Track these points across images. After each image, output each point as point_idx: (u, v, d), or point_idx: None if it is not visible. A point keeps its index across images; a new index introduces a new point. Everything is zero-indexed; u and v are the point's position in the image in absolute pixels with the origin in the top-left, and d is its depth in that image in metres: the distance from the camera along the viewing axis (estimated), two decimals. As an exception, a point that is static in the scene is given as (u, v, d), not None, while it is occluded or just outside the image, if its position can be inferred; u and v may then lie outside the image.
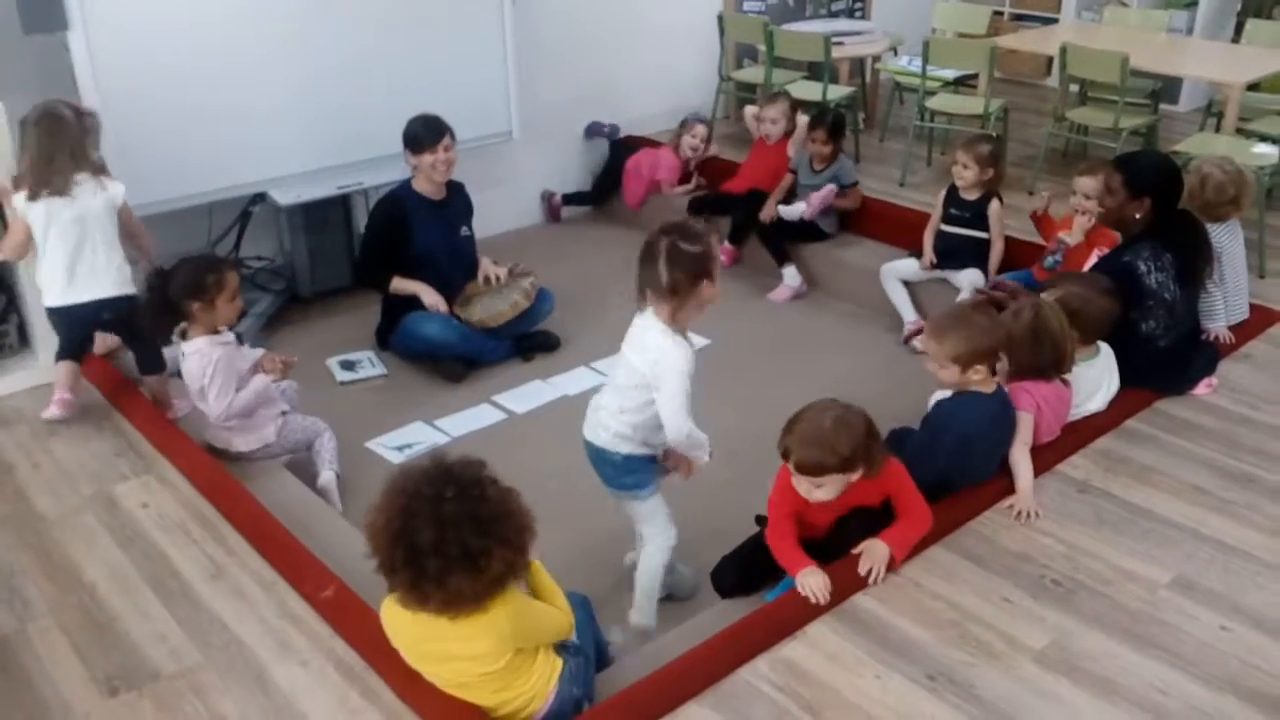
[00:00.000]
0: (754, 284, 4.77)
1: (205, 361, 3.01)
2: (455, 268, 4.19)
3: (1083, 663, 2.24)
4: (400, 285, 4.11)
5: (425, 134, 3.98)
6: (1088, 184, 3.75)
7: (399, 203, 4.09)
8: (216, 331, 3.06)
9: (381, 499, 1.90)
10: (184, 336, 3.05)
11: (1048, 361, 2.86)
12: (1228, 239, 3.61)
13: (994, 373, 2.72)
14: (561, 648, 2.19)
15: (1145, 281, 3.20)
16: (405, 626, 2.02)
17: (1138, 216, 3.31)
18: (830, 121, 4.66)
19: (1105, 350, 3.14)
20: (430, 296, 4.07)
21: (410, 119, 4.02)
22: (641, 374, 2.49)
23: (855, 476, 2.37)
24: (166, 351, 3.30)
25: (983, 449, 2.76)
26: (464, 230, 4.23)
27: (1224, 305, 3.57)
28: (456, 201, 4.21)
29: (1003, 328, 2.76)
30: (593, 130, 5.64)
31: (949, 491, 2.72)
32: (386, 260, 4.10)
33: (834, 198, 4.63)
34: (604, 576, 2.89)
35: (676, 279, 2.40)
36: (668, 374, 2.44)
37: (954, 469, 2.72)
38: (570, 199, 5.62)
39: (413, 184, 4.10)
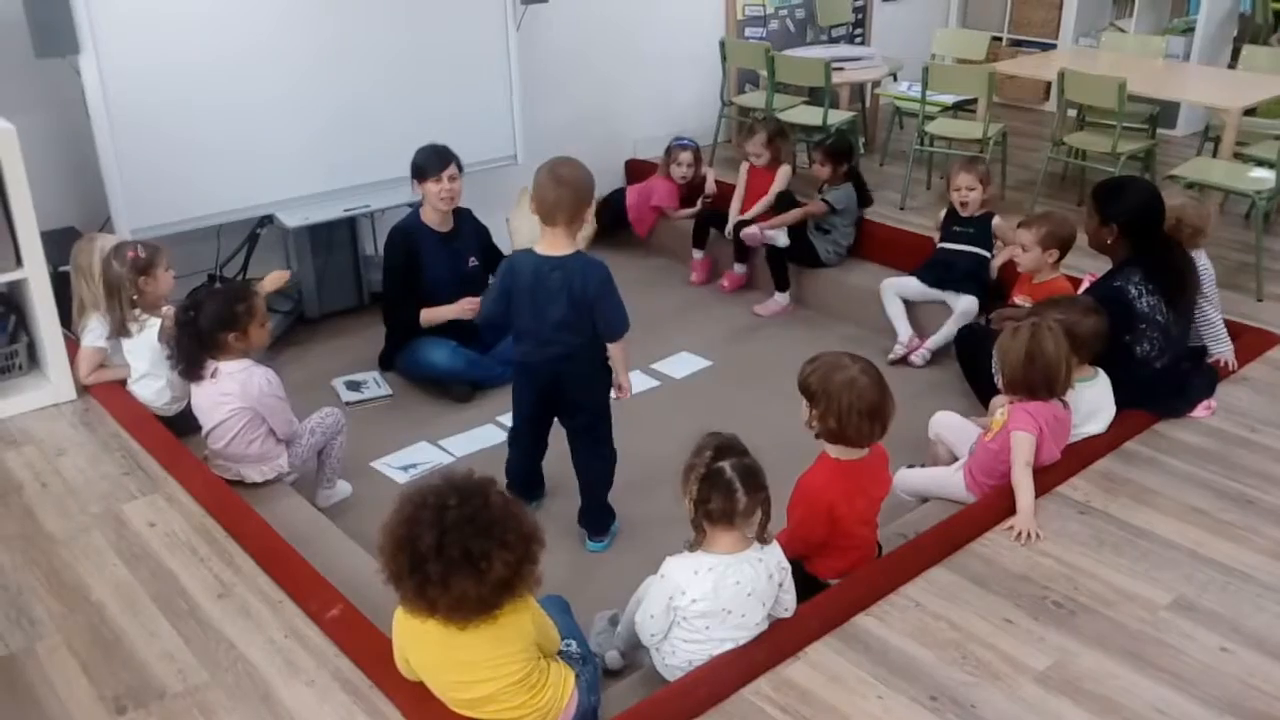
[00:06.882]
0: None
1: (262, 377, 3.06)
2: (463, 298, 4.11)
3: (1084, 683, 2.26)
4: (430, 316, 4.06)
5: (430, 162, 3.98)
6: (1024, 235, 3.77)
7: (408, 235, 4.07)
8: (248, 358, 3.10)
9: (391, 513, 1.96)
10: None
11: (1038, 383, 2.86)
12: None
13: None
14: (570, 658, 2.22)
15: (1137, 305, 3.23)
16: (429, 635, 2.01)
17: (1109, 242, 3.37)
18: (829, 145, 4.73)
19: (1103, 375, 3.16)
20: (458, 310, 4.03)
21: (419, 148, 4.03)
22: None
23: None
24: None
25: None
26: (471, 261, 4.19)
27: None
28: (465, 230, 4.18)
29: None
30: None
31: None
32: (412, 294, 4.06)
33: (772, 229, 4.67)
34: (591, 595, 2.87)
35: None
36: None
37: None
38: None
39: (421, 215, 4.09)
